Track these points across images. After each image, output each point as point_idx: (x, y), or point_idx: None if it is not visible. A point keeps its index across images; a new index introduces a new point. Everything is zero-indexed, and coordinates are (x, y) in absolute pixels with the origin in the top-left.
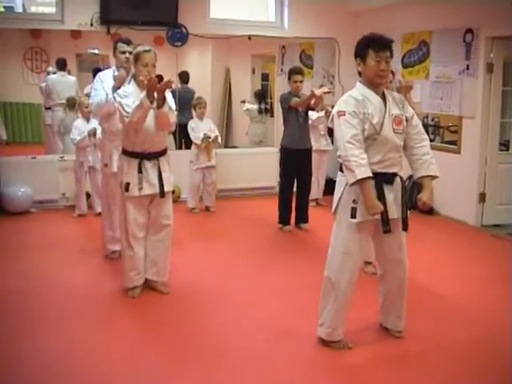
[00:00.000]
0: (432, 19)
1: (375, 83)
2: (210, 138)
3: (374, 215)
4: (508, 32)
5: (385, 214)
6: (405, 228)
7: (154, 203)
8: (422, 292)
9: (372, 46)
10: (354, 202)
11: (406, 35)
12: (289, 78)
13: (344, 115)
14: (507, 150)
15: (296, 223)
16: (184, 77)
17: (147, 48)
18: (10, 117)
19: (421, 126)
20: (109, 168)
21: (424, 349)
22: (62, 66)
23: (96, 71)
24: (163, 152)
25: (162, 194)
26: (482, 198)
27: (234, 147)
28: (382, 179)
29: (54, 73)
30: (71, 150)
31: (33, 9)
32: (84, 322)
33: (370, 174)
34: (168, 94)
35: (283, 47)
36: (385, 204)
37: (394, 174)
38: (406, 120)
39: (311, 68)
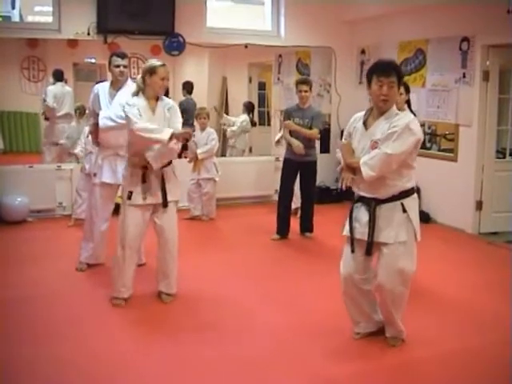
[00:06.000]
0: (428, 27)
1: (378, 107)
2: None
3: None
4: (504, 40)
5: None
6: (367, 252)
7: (159, 214)
8: (419, 299)
9: (375, 71)
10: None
11: (402, 43)
12: (296, 88)
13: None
14: (504, 157)
15: (300, 232)
16: (188, 87)
17: (162, 62)
18: (7, 126)
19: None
20: (98, 178)
21: (423, 356)
22: (59, 76)
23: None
24: (168, 162)
25: (165, 203)
26: (479, 205)
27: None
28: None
29: (53, 83)
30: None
31: (30, 18)
32: (82, 330)
33: None
34: (175, 107)
35: (280, 56)
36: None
37: (374, 199)
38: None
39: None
